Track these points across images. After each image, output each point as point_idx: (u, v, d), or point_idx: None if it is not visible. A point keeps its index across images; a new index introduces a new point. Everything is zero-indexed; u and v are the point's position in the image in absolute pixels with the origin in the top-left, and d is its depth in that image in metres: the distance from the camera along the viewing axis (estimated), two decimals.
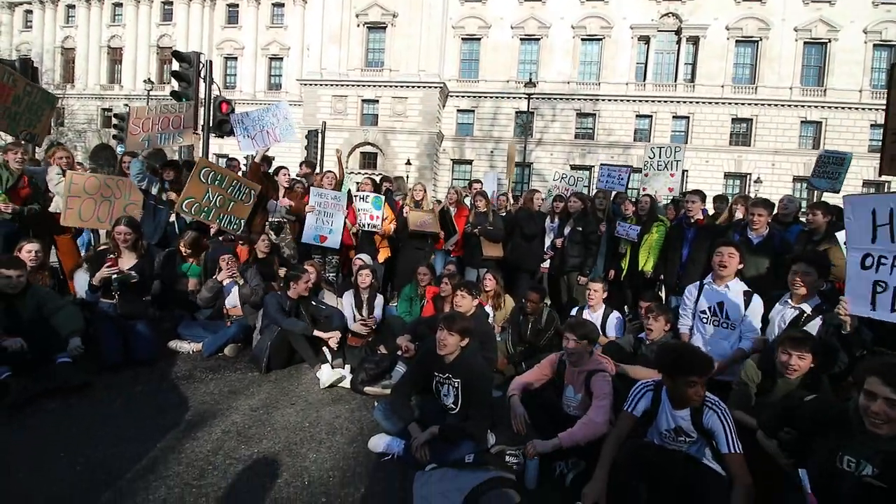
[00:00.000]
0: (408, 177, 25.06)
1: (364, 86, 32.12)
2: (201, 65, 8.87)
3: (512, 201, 7.97)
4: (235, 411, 3.56)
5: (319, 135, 17.25)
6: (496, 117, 32.92)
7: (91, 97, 38.07)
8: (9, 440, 2.98)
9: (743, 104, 30.83)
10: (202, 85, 8.94)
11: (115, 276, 4.30)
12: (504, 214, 6.88)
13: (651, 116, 31.72)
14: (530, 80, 24.73)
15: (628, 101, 31.71)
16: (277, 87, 36.56)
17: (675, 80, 31.48)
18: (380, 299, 5.34)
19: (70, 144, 31.22)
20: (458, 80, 33.03)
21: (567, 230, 6.09)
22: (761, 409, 2.90)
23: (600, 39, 31.89)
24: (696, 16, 30.69)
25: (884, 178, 26.09)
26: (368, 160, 32.63)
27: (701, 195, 5.60)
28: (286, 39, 36.20)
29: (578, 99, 32.15)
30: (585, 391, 3.11)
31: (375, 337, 5.03)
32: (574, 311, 4.98)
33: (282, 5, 36.34)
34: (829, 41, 29.82)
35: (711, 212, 7.03)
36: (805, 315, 3.52)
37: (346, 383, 4.15)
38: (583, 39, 32.06)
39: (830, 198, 6.13)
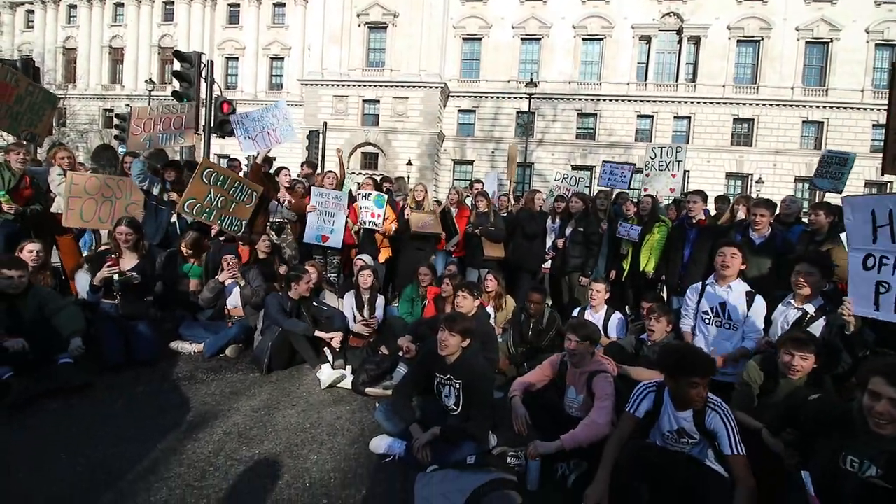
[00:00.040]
0: (409, 177, 25.07)
1: (365, 86, 32.12)
2: (202, 65, 8.86)
3: (513, 202, 7.96)
4: (237, 412, 3.55)
5: (320, 135, 17.26)
6: (497, 117, 32.91)
7: (92, 97, 38.14)
8: (9, 440, 2.98)
9: (744, 104, 30.78)
10: (203, 85, 8.94)
11: (116, 276, 4.30)
12: (505, 215, 6.87)
13: (652, 116, 31.69)
14: (531, 80, 24.73)
15: (629, 101, 31.67)
16: (279, 88, 36.59)
17: (677, 80, 31.44)
18: (381, 300, 5.33)
19: (72, 145, 31.27)
20: (459, 80, 33.02)
21: (568, 231, 6.08)
22: (764, 409, 2.89)
23: (601, 39, 31.86)
24: (697, 15, 30.65)
25: (886, 177, 26.08)
26: (369, 160, 32.63)
27: (702, 195, 5.58)
28: (287, 39, 36.24)
29: (579, 99, 32.12)
30: (587, 392, 3.10)
31: (377, 338, 5.03)
32: (576, 312, 4.97)
33: (283, 5, 36.38)
34: (831, 41, 29.77)
35: (713, 212, 7.02)
36: (808, 316, 3.51)
37: (347, 384, 4.14)
38: (584, 39, 32.04)
39: (833, 198, 6.11)
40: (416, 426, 3.09)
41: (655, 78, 31.81)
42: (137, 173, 5.64)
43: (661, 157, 6.84)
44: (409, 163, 30.32)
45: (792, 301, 3.66)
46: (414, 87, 31.41)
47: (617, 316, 4.85)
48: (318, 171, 8.62)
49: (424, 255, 6.19)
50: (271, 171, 6.82)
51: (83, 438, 3.02)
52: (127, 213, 5.14)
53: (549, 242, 6.31)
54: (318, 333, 4.47)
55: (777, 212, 5.36)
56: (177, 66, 9.08)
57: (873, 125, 29.00)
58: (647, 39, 31.55)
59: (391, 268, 6.58)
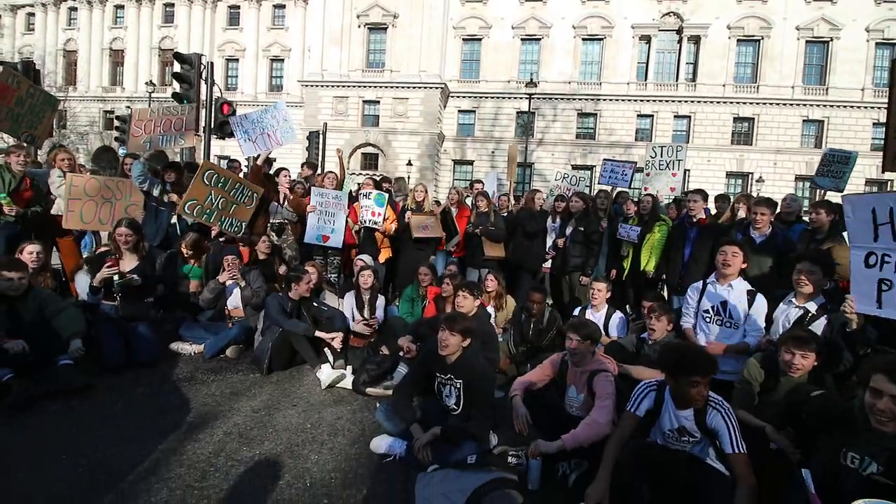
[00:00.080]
0: (409, 177, 25.10)
1: (365, 87, 32.14)
2: (202, 66, 8.87)
3: (513, 202, 7.96)
4: (237, 413, 3.55)
5: (321, 136, 17.25)
6: (497, 118, 32.91)
7: (93, 99, 38.22)
8: (9, 441, 2.97)
9: (744, 103, 30.76)
10: (203, 87, 8.95)
11: (115, 277, 4.30)
12: (505, 215, 6.87)
13: (652, 116, 31.67)
14: (531, 80, 24.73)
15: (629, 100, 31.66)
16: (279, 89, 36.63)
17: (677, 80, 31.43)
18: (381, 300, 5.33)
19: (72, 147, 31.37)
20: (458, 81, 33.04)
21: (569, 230, 6.08)
22: (764, 408, 2.89)
23: (601, 39, 31.87)
24: (697, 15, 30.64)
25: (887, 175, 26.07)
26: (370, 161, 32.65)
27: (703, 194, 5.58)
28: (287, 41, 36.28)
29: (579, 99, 32.12)
30: (588, 391, 3.09)
31: (377, 338, 5.02)
32: (577, 311, 4.97)
33: (283, 7, 36.43)
34: (831, 40, 29.75)
35: (713, 211, 7.01)
36: (810, 314, 3.51)
37: (348, 384, 4.14)
38: (584, 39, 32.04)
39: (833, 196, 6.10)
40: (416, 426, 3.09)
41: (655, 77, 31.80)
42: (137, 175, 5.65)
43: (661, 156, 6.84)
44: (410, 163, 30.34)
45: (793, 300, 3.66)
46: (414, 87, 31.43)
47: (618, 315, 4.84)
48: (319, 171, 8.64)
49: (425, 255, 6.19)
50: (271, 171, 6.82)
51: (83, 439, 3.02)
52: (127, 215, 5.14)
53: (549, 242, 6.31)
54: (318, 334, 4.46)
55: (778, 210, 5.36)
56: (177, 67, 9.10)
57: (874, 124, 28.96)
58: (647, 39, 31.54)
59: (391, 268, 6.58)
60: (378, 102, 32.32)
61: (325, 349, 4.47)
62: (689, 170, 27.01)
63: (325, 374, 4.13)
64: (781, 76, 30.20)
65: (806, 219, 5.51)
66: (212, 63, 9.31)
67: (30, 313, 3.64)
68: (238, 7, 36.88)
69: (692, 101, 31.04)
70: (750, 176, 30.65)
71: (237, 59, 37.10)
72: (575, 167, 28.80)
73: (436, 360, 3.23)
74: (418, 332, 4.41)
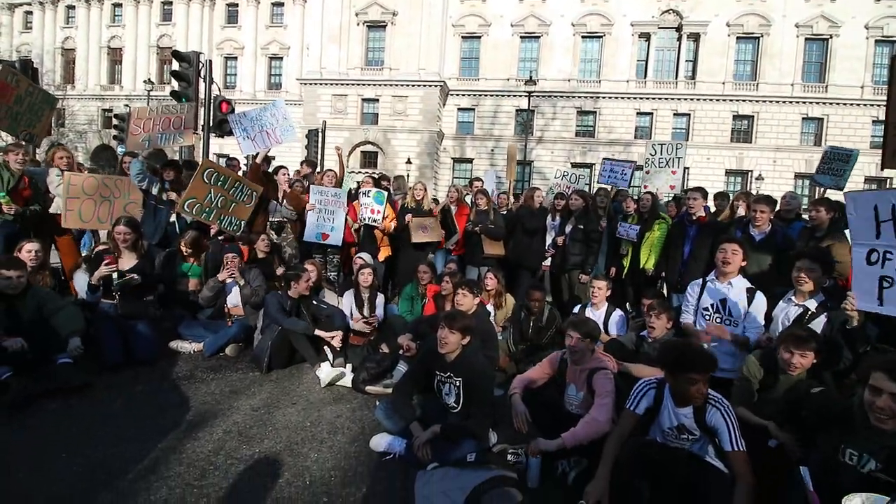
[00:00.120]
0: (408, 176, 25.04)
1: (364, 85, 32.10)
2: (201, 64, 8.86)
3: (513, 200, 7.95)
4: (236, 411, 3.55)
5: (320, 134, 17.24)
6: (497, 115, 32.89)
7: (91, 98, 38.13)
8: (9, 440, 2.97)
9: (744, 101, 30.75)
10: (202, 85, 8.93)
11: (114, 275, 4.30)
12: (505, 213, 6.86)
13: (652, 114, 31.65)
14: (531, 77, 24.67)
15: (629, 98, 31.64)
16: (277, 87, 36.55)
17: (676, 78, 31.41)
18: (381, 298, 5.33)
19: (71, 145, 31.28)
20: (458, 79, 33.00)
21: (568, 228, 6.07)
22: (763, 405, 2.89)
23: (601, 37, 31.83)
24: (696, 13, 30.61)
25: (886, 173, 26.08)
26: (369, 159, 32.63)
27: (702, 192, 5.57)
28: (286, 39, 36.21)
29: (579, 97, 32.08)
30: (587, 389, 3.09)
31: (377, 336, 5.02)
32: (577, 309, 4.97)
33: (281, 5, 36.34)
34: (831, 37, 29.73)
35: (713, 209, 7.01)
36: (809, 312, 3.51)
37: (347, 382, 4.14)
38: (583, 37, 32.00)
39: (833, 194, 6.10)
40: (416, 424, 3.09)
41: (655, 75, 31.78)
42: (136, 173, 5.63)
43: (660, 154, 6.83)
44: (409, 161, 30.30)
45: (793, 297, 3.66)
46: (413, 85, 31.39)
47: (617, 313, 4.84)
48: (318, 169, 8.63)
49: (424, 254, 6.19)
50: (270, 169, 6.81)
51: (83, 438, 3.02)
52: (126, 213, 5.14)
53: (548, 240, 6.30)
54: (318, 332, 4.46)
55: (777, 208, 5.36)
56: (175, 66, 9.09)
57: (873, 121, 28.96)
58: (647, 37, 31.51)
59: (391, 266, 6.57)
60: (377, 100, 32.28)
61: (325, 347, 4.47)
62: (688, 167, 27.08)
63: (325, 372, 4.13)
64: (781, 74, 30.19)
65: (805, 216, 5.51)
66: (210, 61, 9.29)
67: (28, 312, 3.63)
68: (236, 5, 36.79)
69: (692, 99, 31.02)
70: (749, 174, 30.66)
71: (236, 57, 37.02)
72: (574, 165, 28.82)
73: (435, 358, 3.22)
74: (418, 331, 4.41)
